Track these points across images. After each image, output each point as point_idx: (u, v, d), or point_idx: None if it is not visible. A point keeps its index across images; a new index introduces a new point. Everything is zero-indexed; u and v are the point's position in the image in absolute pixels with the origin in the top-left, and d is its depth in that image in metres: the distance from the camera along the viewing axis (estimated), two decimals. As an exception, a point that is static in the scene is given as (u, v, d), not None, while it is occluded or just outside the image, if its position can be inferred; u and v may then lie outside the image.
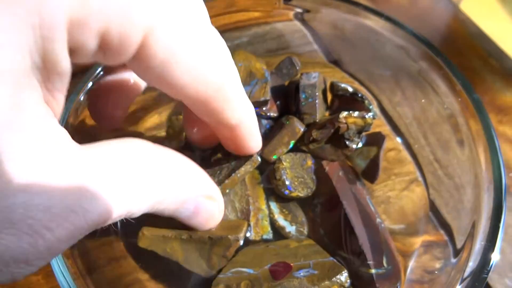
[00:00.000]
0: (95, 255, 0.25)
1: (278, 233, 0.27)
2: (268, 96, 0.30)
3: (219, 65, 0.18)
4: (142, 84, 0.23)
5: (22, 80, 0.12)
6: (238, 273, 0.23)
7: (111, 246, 0.27)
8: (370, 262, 0.23)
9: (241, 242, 0.24)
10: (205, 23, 0.17)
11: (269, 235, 0.26)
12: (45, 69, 0.13)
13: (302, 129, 0.28)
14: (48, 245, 0.12)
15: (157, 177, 0.17)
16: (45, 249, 0.12)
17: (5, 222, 0.11)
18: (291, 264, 0.23)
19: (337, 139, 0.28)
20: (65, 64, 0.14)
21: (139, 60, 0.15)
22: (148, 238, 0.23)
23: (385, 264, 0.24)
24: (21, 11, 0.11)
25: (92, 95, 0.25)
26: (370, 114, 0.27)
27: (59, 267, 0.21)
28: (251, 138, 0.22)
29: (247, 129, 0.21)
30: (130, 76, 0.22)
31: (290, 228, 0.27)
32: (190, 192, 0.19)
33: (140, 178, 0.16)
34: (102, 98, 0.22)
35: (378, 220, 0.27)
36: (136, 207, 0.16)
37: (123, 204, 0.15)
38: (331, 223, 0.26)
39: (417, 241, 0.29)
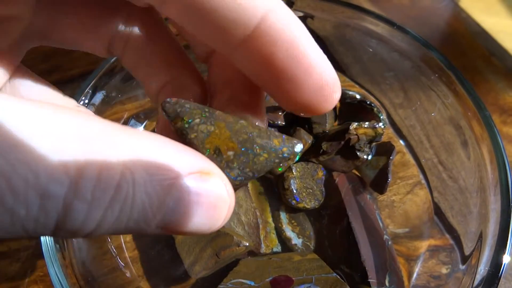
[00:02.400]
0: (97, 264, 0.25)
1: (284, 244, 0.27)
2: None
3: None
4: None
5: None
6: (239, 284, 0.23)
7: (112, 256, 0.26)
8: (372, 280, 0.23)
9: (242, 249, 0.24)
10: None
11: (278, 247, 0.26)
12: None
13: (309, 141, 0.28)
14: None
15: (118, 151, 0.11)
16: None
17: None
18: (293, 278, 0.23)
19: (348, 150, 0.27)
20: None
21: None
22: None
23: (387, 284, 0.24)
24: None
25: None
26: (380, 124, 0.27)
27: (57, 277, 0.20)
28: (304, 59, 0.14)
29: (288, 34, 0.14)
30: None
31: (296, 241, 0.26)
32: (176, 170, 0.11)
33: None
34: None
35: (385, 237, 0.26)
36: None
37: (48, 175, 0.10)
38: (337, 236, 0.25)
39: (423, 245, 0.28)
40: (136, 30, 0.17)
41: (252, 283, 0.23)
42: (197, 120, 0.14)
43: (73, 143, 0.10)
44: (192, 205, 0.11)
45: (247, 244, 0.24)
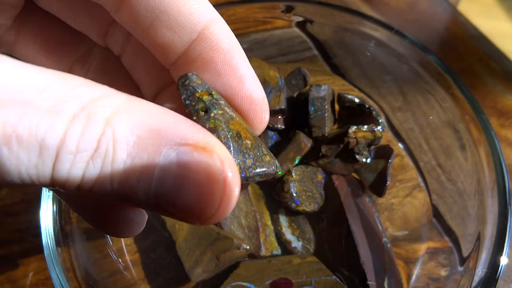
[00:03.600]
0: (98, 267, 0.25)
1: (284, 247, 0.27)
2: (284, 104, 0.29)
3: None
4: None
5: None
6: (239, 287, 0.23)
7: (113, 259, 0.26)
8: (371, 283, 0.23)
9: (242, 252, 0.24)
10: None
11: (277, 250, 0.26)
12: None
13: (308, 145, 0.28)
14: None
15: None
16: None
17: None
18: (293, 281, 0.23)
19: (347, 153, 0.28)
20: None
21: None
22: None
23: (386, 286, 0.24)
24: None
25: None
26: (379, 127, 0.27)
27: (59, 280, 0.21)
28: (241, 64, 0.15)
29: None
30: None
31: (296, 244, 0.26)
32: (168, 138, 0.11)
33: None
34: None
35: (384, 239, 0.26)
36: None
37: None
38: (336, 239, 0.25)
39: (421, 248, 0.28)
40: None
41: (252, 286, 0.23)
42: (223, 102, 0.14)
43: (68, 102, 0.11)
44: (179, 179, 0.11)
45: (247, 247, 0.24)
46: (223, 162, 0.11)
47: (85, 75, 0.18)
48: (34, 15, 0.17)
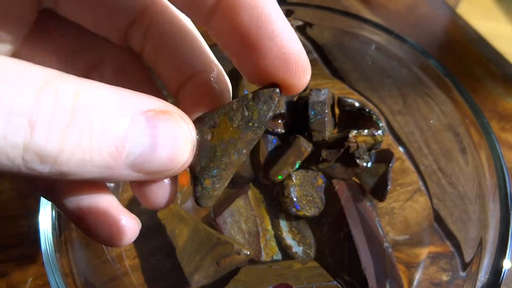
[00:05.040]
0: (97, 272, 0.25)
1: (284, 252, 0.27)
2: (283, 109, 0.29)
3: None
4: None
5: None
6: (240, 292, 0.23)
7: (112, 264, 0.26)
8: None
9: (243, 257, 0.24)
10: None
11: (278, 255, 0.26)
12: None
13: (308, 149, 0.28)
14: None
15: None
16: None
17: None
18: (294, 287, 0.23)
19: (347, 158, 0.27)
20: None
21: None
22: (169, 211, 0.25)
23: None
24: None
25: None
26: (379, 131, 0.27)
27: (57, 286, 0.20)
28: (271, 18, 0.14)
29: (271, 11, 0.14)
30: None
31: (297, 249, 0.26)
32: (124, 108, 0.12)
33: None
34: None
35: (385, 244, 0.26)
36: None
37: None
38: (337, 244, 0.25)
39: (423, 252, 0.28)
40: (156, 18, 0.17)
41: (253, 291, 0.23)
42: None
43: (32, 77, 0.11)
44: (152, 137, 0.12)
45: (248, 252, 0.24)
46: (186, 121, 0.14)
47: (102, 80, 0.17)
48: (47, 27, 0.17)
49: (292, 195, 0.26)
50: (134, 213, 0.16)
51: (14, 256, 0.30)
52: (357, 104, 0.30)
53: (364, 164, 0.27)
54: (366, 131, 0.27)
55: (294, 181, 0.27)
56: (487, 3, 0.51)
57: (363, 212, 0.26)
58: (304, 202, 0.27)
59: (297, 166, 0.28)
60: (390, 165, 0.28)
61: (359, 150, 0.27)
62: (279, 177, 0.27)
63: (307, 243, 0.27)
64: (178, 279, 0.25)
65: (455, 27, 0.47)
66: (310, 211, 0.27)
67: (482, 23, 0.47)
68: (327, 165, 0.28)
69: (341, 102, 0.31)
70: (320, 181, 0.28)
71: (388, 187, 0.27)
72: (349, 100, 0.30)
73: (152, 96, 0.13)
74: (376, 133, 0.27)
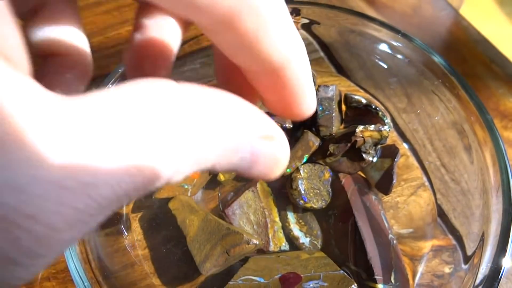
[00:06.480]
0: (110, 260, 0.25)
1: (292, 243, 0.27)
2: None
3: None
4: (178, 39, 0.18)
5: None
6: (249, 281, 0.24)
7: (125, 253, 0.27)
8: (378, 277, 0.24)
9: (252, 247, 0.25)
10: None
11: (286, 246, 0.27)
12: None
13: (316, 143, 0.29)
14: (31, 235, 0.10)
15: (194, 124, 0.13)
16: (30, 242, 0.10)
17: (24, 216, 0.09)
18: (301, 275, 0.23)
19: (354, 152, 0.28)
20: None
21: None
22: (179, 201, 0.25)
23: (393, 281, 0.24)
24: None
25: (130, 58, 0.19)
26: (385, 127, 0.28)
27: (77, 271, 0.21)
28: (303, 88, 0.17)
29: (296, 72, 0.16)
30: (165, 30, 0.18)
31: (304, 240, 0.27)
32: (240, 137, 0.15)
33: (171, 129, 0.12)
34: (142, 60, 0.17)
35: (390, 236, 0.27)
36: (169, 171, 0.12)
37: (146, 171, 0.11)
38: (343, 235, 0.26)
39: (426, 246, 0.29)
40: None
41: (262, 280, 0.24)
42: None
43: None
44: (257, 161, 0.15)
45: (257, 242, 0.25)
46: (283, 141, 0.16)
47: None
48: None
49: (300, 187, 0.27)
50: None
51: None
52: (364, 101, 0.31)
53: (370, 158, 0.28)
54: (372, 126, 0.27)
55: (302, 174, 0.28)
56: (490, 6, 0.51)
57: (368, 205, 0.27)
58: (311, 194, 0.27)
59: (304, 159, 0.29)
60: (395, 159, 0.28)
61: (365, 144, 0.28)
62: (288, 170, 0.28)
63: (314, 234, 0.27)
64: (189, 267, 0.26)
65: (458, 28, 0.47)
66: (317, 204, 0.27)
67: (485, 25, 0.48)
68: (334, 159, 0.28)
69: (348, 99, 0.32)
70: (327, 174, 0.28)
71: (394, 181, 0.28)
72: (356, 97, 0.31)
73: (257, 111, 0.15)
74: (382, 129, 0.27)
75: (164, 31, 0.18)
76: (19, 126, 0.09)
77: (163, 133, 0.11)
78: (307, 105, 0.17)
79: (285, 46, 0.15)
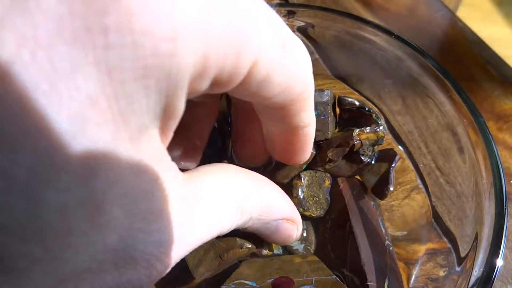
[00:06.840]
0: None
1: (285, 247, 0.27)
2: None
3: (303, 67, 0.17)
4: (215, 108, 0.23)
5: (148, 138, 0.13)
6: (241, 285, 0.24)
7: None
8: (371, 284, 0.24)
9: (245, 251, 0.25)
10: (285, 31, 0.16)
11: (279, 250, 0.27)
12: (164, 117, 0.14)
13: (313, 152, 0.29)
14: (159, 273, 0.14)
15: (249, 200, 0.18)
16: (156, 277, 0.14)
17: (128, 258, 0.13)
18: (294, 280, 0.23)
19: (351, 155, 0.28)
20: (181, 109, 0.14)
21: (237, 85, 0.15)
22: None
23: (386, 287, 0.24)
24: (151, 82, 0.12)
25: None
26: (380, 127, 0.28)
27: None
28: (309, 143, 0.21)
29: (310, 131, 0.20)
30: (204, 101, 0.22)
31: (298, 246, 0.27)
32: (275, 215, 0.20)
33: (235, 202, 0.18)
34: (183, 132, 0.20)
35: (387, 242, 0.27)
36: (225, 229, 0.18)
37: (214, 229, 0.17)
38: (339, 240, 0.26)
39: (421, 249, 0.29)
40: None
41: (254, 284, 0.24)
42: None
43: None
44: (277, 232, 0.22)
45: (250, 246, 0.25)
46: (299, 225, 0.23)
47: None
48: None
49: (300, 195, 0.27)
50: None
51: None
52: (357, 103, 0.31)
53: (368, 159, 0.28)
54: (368, 128, 0.27)
55: (303, 182, 0.28)
56: (487, 7, 0.51)
57: (366, 211, 0.27)
58: (310, 202, 0.27)
59: (304, 166, 0.29)
60: (392, 165, 0.28)
61: (363, 147, 0.28)
62: (287, 180, 0.28)
63: (308, 240, 0.27)
64: (182, 272, 0.26)
65: (454, 30, 0.47)
66: (316, 212, 0.27)
67: (482, 26, 0.48)
68: (333, 165, 0.28)
69: (341, 101, 0.32)
70: (328, 182, 0.28)
71: (390, 186, 0.28)
72: (349, 99, 0.31)
73: (290, 201, 0.22)
74: (378, 130, 0.28)
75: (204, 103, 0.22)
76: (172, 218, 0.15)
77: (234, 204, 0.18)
78: (306, 157, 0.22)
79: (309, 116, 0.19)
